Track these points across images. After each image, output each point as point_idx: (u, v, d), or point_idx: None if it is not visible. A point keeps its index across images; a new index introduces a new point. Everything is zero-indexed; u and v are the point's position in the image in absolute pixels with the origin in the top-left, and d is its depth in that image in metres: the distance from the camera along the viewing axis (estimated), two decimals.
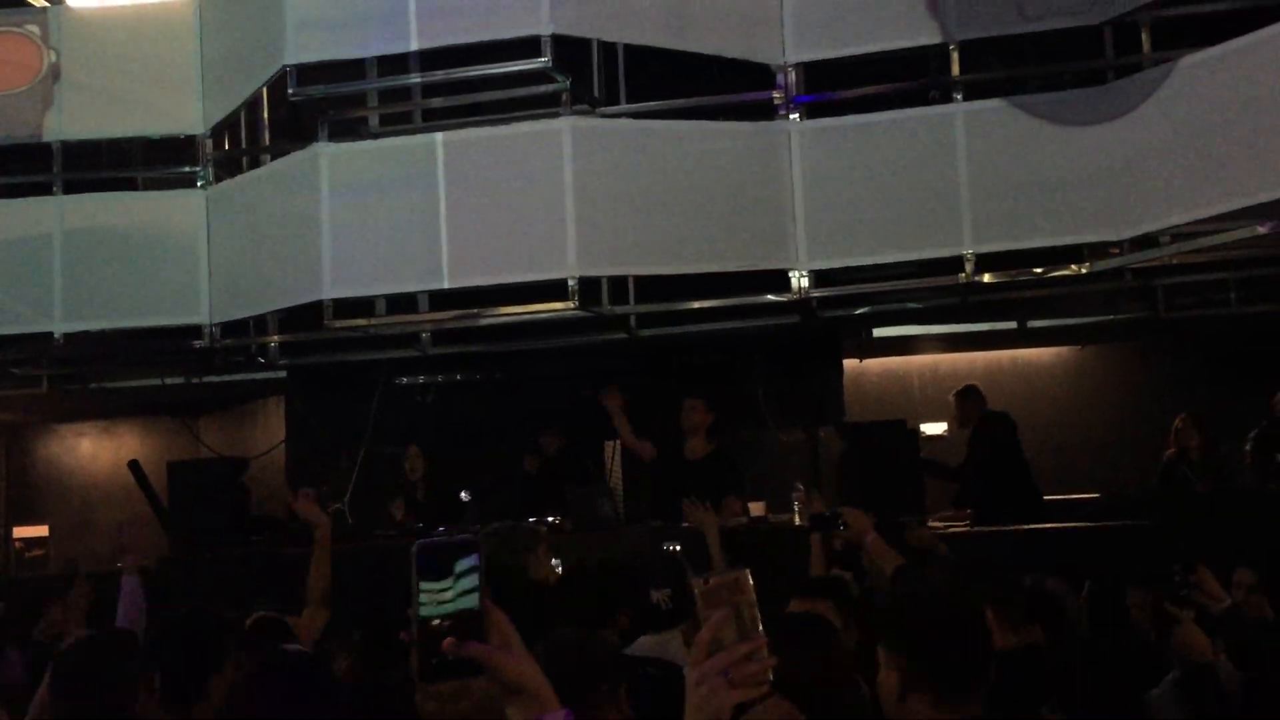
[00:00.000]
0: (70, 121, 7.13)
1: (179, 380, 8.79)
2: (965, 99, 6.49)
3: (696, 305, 6.90)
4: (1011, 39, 6.63)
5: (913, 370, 10.46)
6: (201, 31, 7.04)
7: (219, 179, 7.15)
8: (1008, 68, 6.91)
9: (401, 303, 7.03)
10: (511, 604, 1.72)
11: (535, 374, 8.29)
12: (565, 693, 2.01)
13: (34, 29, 7.25)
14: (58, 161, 7.13)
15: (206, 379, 8.98)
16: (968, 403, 7.59)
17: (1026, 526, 6.94)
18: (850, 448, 6.98)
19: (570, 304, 6.20)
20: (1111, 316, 8.18)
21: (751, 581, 2.15)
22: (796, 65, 6.67)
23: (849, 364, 9.07)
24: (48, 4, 7.76)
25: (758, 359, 7.90)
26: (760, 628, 2.03)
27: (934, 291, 6.94)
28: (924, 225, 6.40)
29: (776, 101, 6.66)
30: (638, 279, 6.93)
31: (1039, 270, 6.45)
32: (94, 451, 12.22)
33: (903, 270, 6.79)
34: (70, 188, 7.20)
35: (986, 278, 6.40)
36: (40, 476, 12.22)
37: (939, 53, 6.68)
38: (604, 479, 7.68)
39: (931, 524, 7.21)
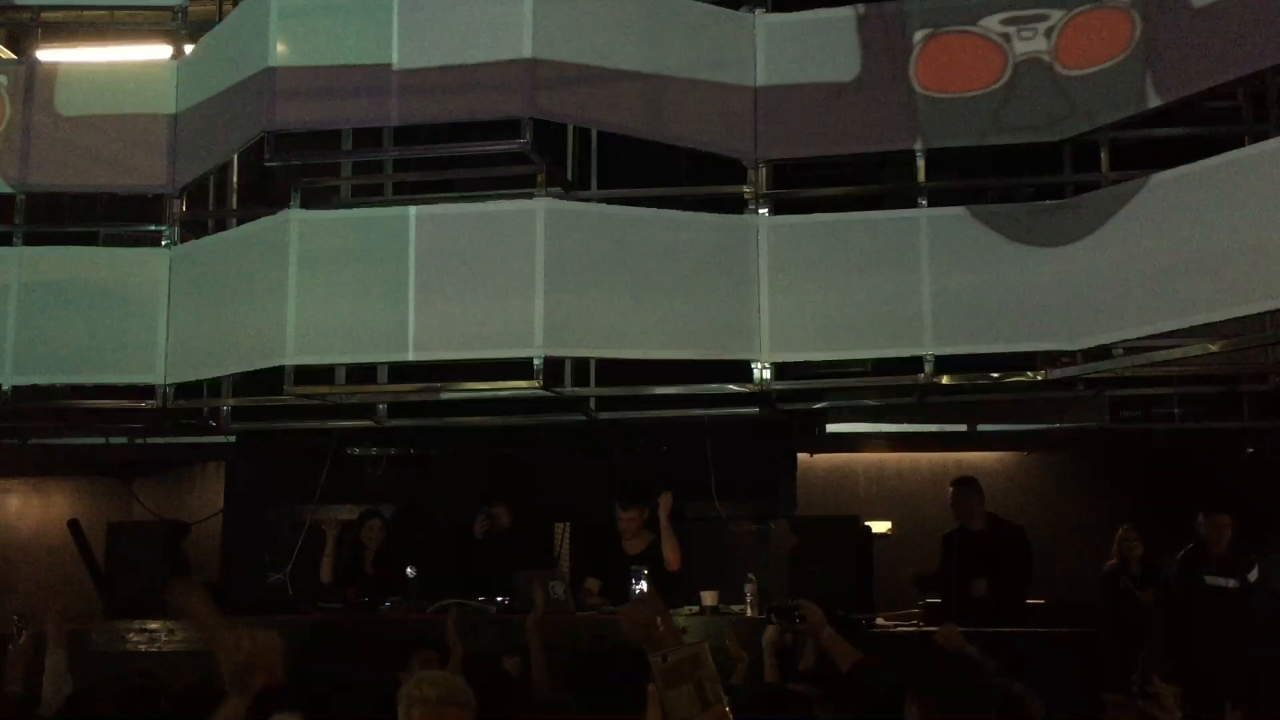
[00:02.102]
0: (37, 173, 7.06)
1: (121, 440, 8.62)
2: (929, 204, 6.64)
3: (659, 391, 6.93)
4: (973, 150, 6.84)
5: (858, 467, 10.56)
6: (179, 92, 7.02)
7: (183, 239, 7.10)
8: (967, 176, 7.13)
9: (360, 372, 6.99)
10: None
11: (488, 451, 8.26)
12: None
13: (2, 79, 7.22)
14: (20, 212, 7.05)
15: (146, 440, 8.83)
16: (973, 494, 7.65)
17: (977, 629, 6.99)
18: (802, 541, 6.99)
19: (535, 383, 6.20)
20: (1058, 424, 8.35)
21: (709, 655, 2.17)
22: (767, 162, 6.80)
23: (800, 458, 9.15)
24: (14, 57, 7.76)
25: (711, 448, 7.95)
26: (723, 698, 2.05)
27: (892, 390, 7.04)
28: (886, 324, 6.50)
29: (746, 196, 6.77)
30: (599, 362, 6.97)
31: (996, 375, 6.57)
32: (21, 509, 11.88)
33: (860, 367, 6.90)
34: (30, 239, 7.10)
35: (944, 379, 6.50)
36: None
37: (904, 157, 6.86)
38: (556, 562, 7.63)
39: (880, 621, 7.25)
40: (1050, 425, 8.39)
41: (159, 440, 8.79)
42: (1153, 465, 9.15)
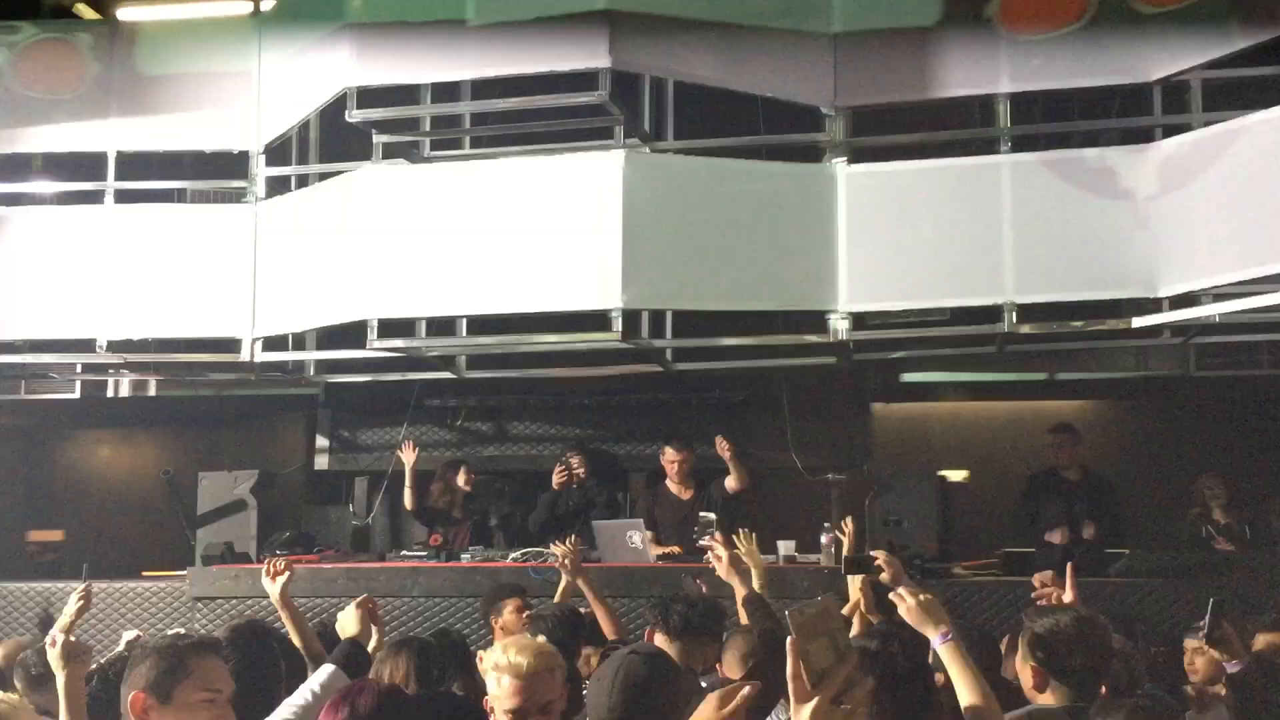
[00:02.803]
0: (123, 133, 7.20)
1: (208, 393, 8.83)
2: (1012, 150, 6.53)
3: (734, 342, 6.93)
4: (1057, 93, 6.71)
5: (933, 417, 10.49)
6: (261, 50, 7.11)
7: (268, 195, 7.22)
8: (1053, 120, 7.00)
9: (440, 325, 7.08)
10: None
11: (563, 401, 8.35)
12: None
13: (85, 37, 7.34)
14: (111, 171, 7.20)
15: (227, 393, 9.04)
16: (1075, 442, 7.61)
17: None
18: (880, 490, 7.00)
19: (613, 335, 6.23)
20: (1141, 373, 8.23)
21: (838, 608, 2.22)
22: (845, 109, 6.73)
23: (875, 407, 9.12)
24: (98, 17, 7.89)
25: (786, 398, 7.96)
26: (853, 649, 2.10)
27: (972, 340, 6.98)
28: (966, 273, 6.44)
29: (823, 144, 6.72)
30: (676, 313, 6.99)
31: (1079, 323, 6.48)
32: (111, 459, 12.24)
33: (938, 316, 6.84)
34: (119, 198, 7.27)
35: (1026, 328, 6.43)
36: (59, 482, 12.22)
37: (985, 102, 6.76)
38: (632, 511, 7.71)
39: (957, 570, 7.25)
40: (1130, 374, 8.26)
41: (244, 392, 8.98)
42: (1236, 413, 8.99)
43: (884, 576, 3.92)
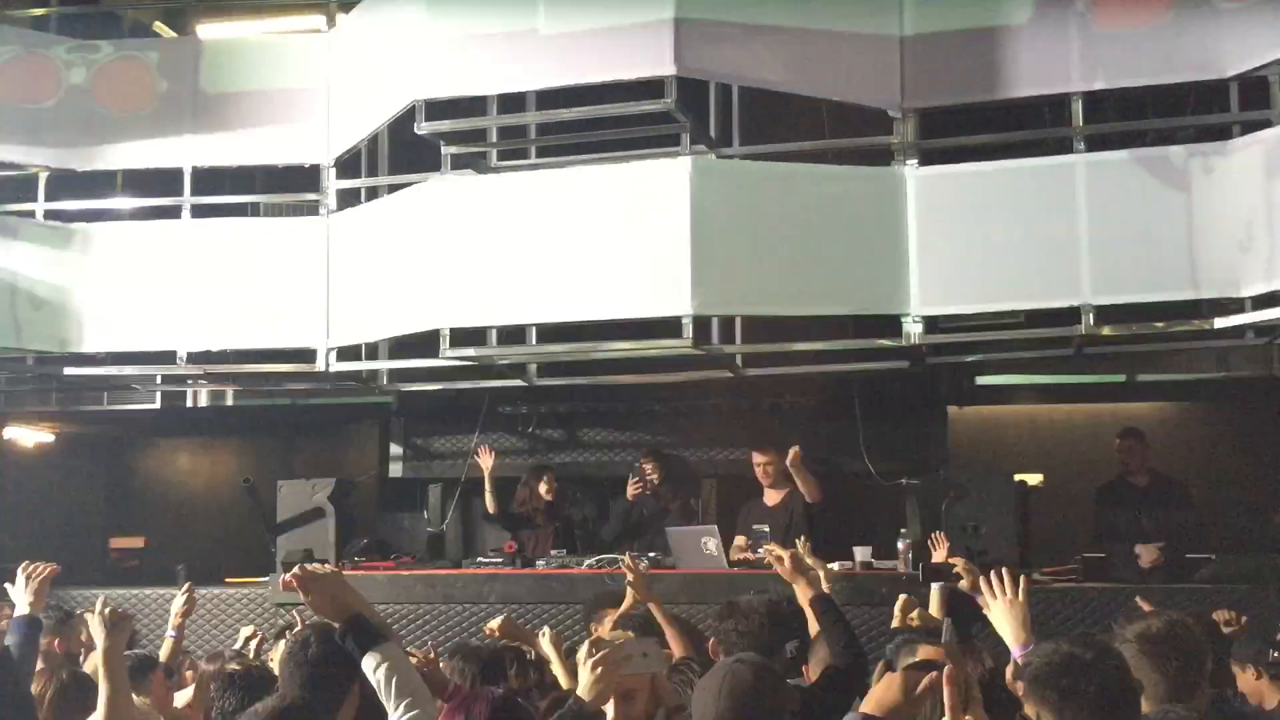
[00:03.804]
0: (197, 149, 7.35)
1: (284, 401, 8.98)
2: (1087, 149, 6.42)
3: (806, 347, 6.89)
4: (1131, 91, 6.59)
5: (1008, 420, 10.35)
6: (332, 64, 7.21)
7: (340, 207, 7.32)
8: (1127, 119, 6.87)
9: (511, 334, 7.13)
10: None
11: (635, 408, 8.36)
12: None
13: (153, 56, 7.49)
14: (187, 186, 7.35)
15: (307, 401, 9.17)
16: (1144, 446, 7.52)
17: (1136, 585, 6.84)
18: (957, 496, 6.92)
19: (684, 341, 6.23)
20: (1222, 374, 8.05)
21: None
22: (914, 111, 6.66)
23: (949, 411, 9.01)
24: (175, 35, 8.06)
25: (859, 403, 7.90)
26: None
27: (1048, 342, 6.88)
28: (1041, 275, 6.34)
29: (893, 147, 6.66)
30: (745, 318, 6.96)
31: (1160, 325, 6.36)
32: (190, 466, 12.50)
33: (1013, 319, 6.74)
34: (197, 212, 7.41)
35: (1105, 330, 6.32)
36: (139, 489, 12.50)
37: (1055, 102, 6.66)
38: (703, 516, 7.71)
39: (1037, 577, 7.14)
40: (1212, 375, 8.08)
41: (319, 401, 9.11)
42: None
43: (963, 584, 3.88)
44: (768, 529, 6.37)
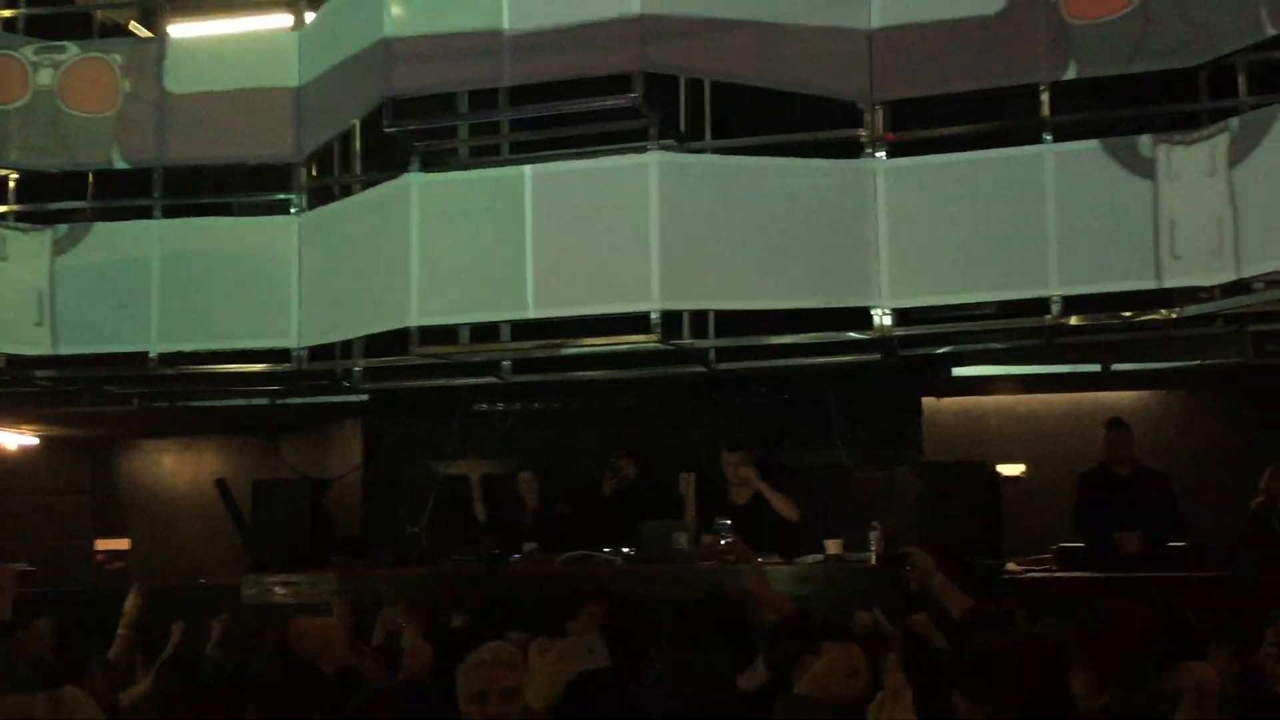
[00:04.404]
0: (168, 147, 7.34)
1: (262, 401, 8.97)
2: (1055, 139, 6.42)
3: (776, 340, 6.90)
4: (1101, 80, 6.58)
5: (989, 410, 10.36)
6: (300, 62, 7.20)
7: (311, 206, 7.31)
8: (1099, 108, 6.87)
9: (484, 331, 7.12)
10: None
11: (610, 404, 8.37)
12: None
13: (117, 57, 7.47)
14: (158, 186, 7.34)
15: (286, 401, 9.16)
16: (1129, 437, 7.53)
17: (1113, 574, 6.87)
18: (928, 488, 6.93)
19: (653, 337, 6.23)
20: (1198, 361, 8.06)
21: None
22: (883, 103, 6.66)
23: (926, 402, 9.02)
24: (150, 34, 8.04)
25: (834, 396, 7.91)
26: None
27: (1018, 332, 6.88)
28: (1010, 265, 6.34)
29: (862, 139, 6.65)
30: (718, 314, 6.96)
31: (1128, 314, 6.36)
32: (176, 468, 12.50)
33: (985, 310, 6.75)
34: (168, 212, 7.40)
35: (1073, 320, 6.32)
36: (124, 491, 12.51)
37: (1028, 91, 6.65)
38: (681, 512, 7.71)
39: (1010, 567, 7.16)
40: (1189, 363, 8.09)
41: (299, 400, 9.11)
42: None
43: (912, 572, 3.92)
44: (729, 522, 6.37)
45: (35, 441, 12.16)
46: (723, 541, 6.10)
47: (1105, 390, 9.70)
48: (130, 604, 5.52)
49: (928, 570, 4.10)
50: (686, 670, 2.75)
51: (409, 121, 6.51)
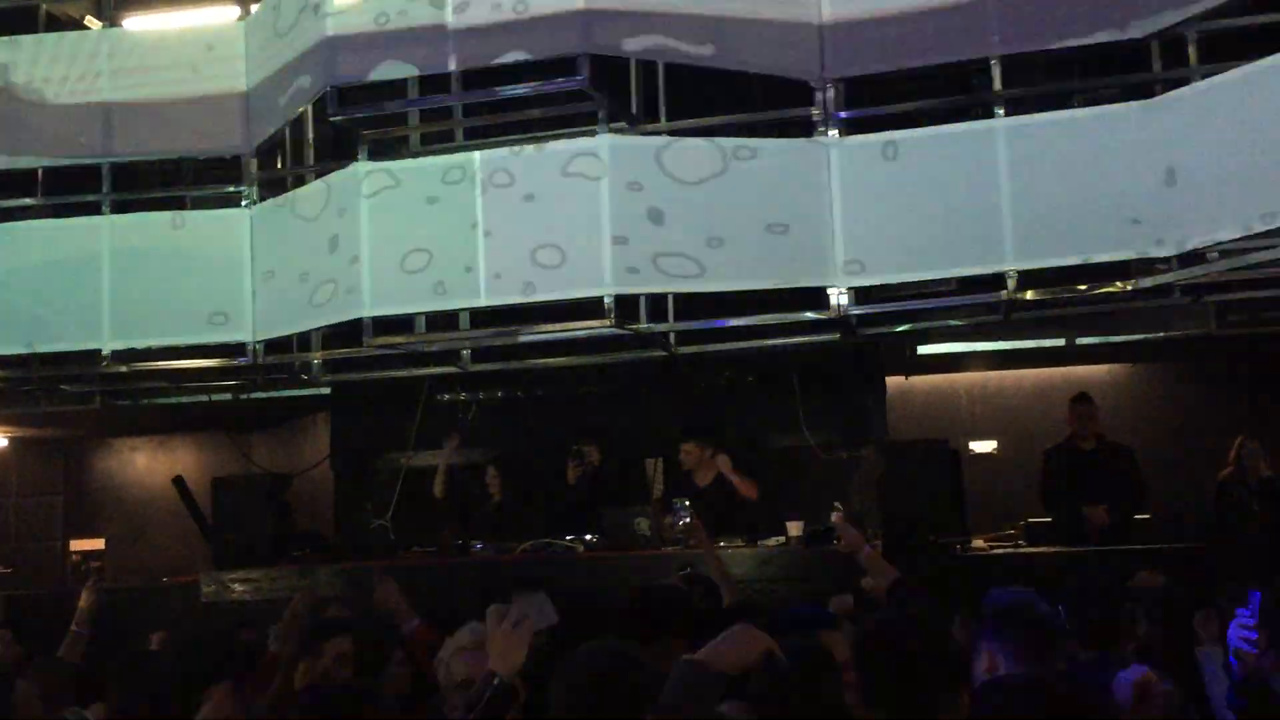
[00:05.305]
0: (120, 142, 7.26)
1: (225, 397, 8.90)
2: (1008, 113, 6.37)
3: (735, 323, 6.85)
4: (1057, 53, 6.53)
5: (960, 388, 10.35)
6: (247, 53, 7.12)
7: (263, 198, 7.23)
8: (1051, 81, 6.82)
9: (441, 320, 7.07)
10: None
11: (573, 391, 8.31)
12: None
13: (65, 50, 7.40)
14: (107, 181, 7.26)
15: (256, 395, 9.10)
16: (1094, 411, 7.51)
17: (1079, 548, 6.84)
18: (890, 467, 6.90)
19: (607, 321, 6.18)
20: (1163, 334, 8.04)
21: None
22: (835, 81, 6.60)
23: (895, 381, 8.99)
24: (102, 24, 7.94)
25: (796, 377, 7.87)
26: None
27: (975, 309, 6.85)
28: (965, 242, 6.30)
29: (815, 118, 6.60)
30: (677, 297, 6.92)
31: (1083, 287, 6.33)
32: (148, 465, 12.44)
33: (943, 287, 6.71)
34: (118, 208, 7.33)
35: (1029, 294, 6.28)
36: (96, 490, 12.45)
37: (981, 66, 6.60)
38: (645, 497, 7.68)
39: (977, 544, 7.13)
40: (1153, 335, 8.07)
41: (263, 395, 9.04)
42: (1263, 372, 8.77)
43: (839, 545, 3.93)
44: (687, 501, 6.35)
45: (4, 443, 12.09)
46: (680, 523, 6.06)
47: (1075, 365, 9.68)
48: (84, 601, 5.47)
49: (855, 543, 4.09)
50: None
51: (353, 110, 6.43)
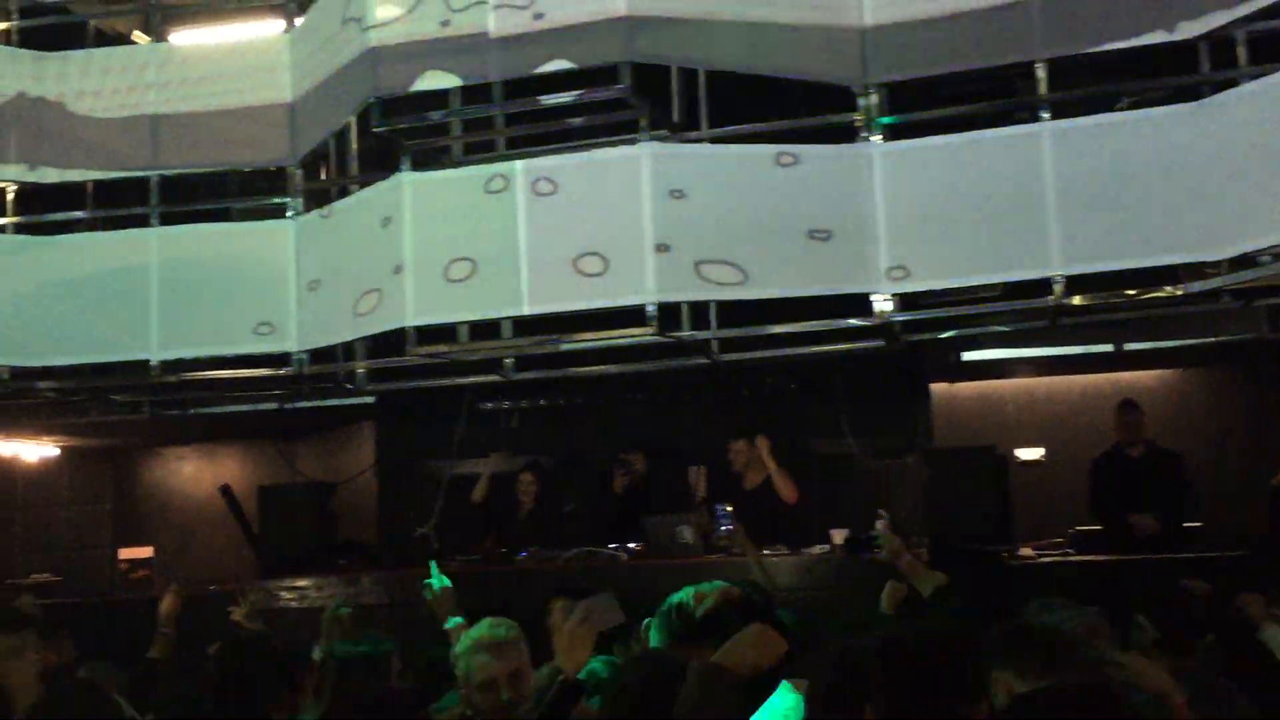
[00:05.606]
0: (168, 155, 7.34)
1: (271, 406, 8.98)
2: (1053, 116, 6.31)
3: (778, 329, 6.82)
4: (1103, 55, 6.46)
5: (1006, 394, 10.25)
6: (292, 65, 7.19)
7: (308, 209, 7.29)
8: (1097, 84, 6.74)
9: (484, 329, 7.08)
10: None
11: (616, 399, 8.32)
12: None
13: (114, 65, 7.48)
14: (155, 194, 7.35)
15: (302, 404, 9.17)
16: (1140, 418, 7.44)
17: (1129, 556, 6.76)
18: (936, 474, 6.84)
19: (649, 329, 6.17)
20: (1213, 339, 7.93)
21: None
22: (877, 86, 6.56)
23: (940, 388, 8.93)
24: (149, 40, 8.04)
25: (840, 383, 7.82)
26: None
27: (1021, 314, 6.78)
28: (1011, 247, 6.23)
29: (857, 123, 6.56)
30: (720, 305, 6.90)
31: (1131, 292, 6.24)
32: (196, 474, 12.57)
33: (988, 293, 6.64)
34: (166, 219, 7.41)
35: (1076, 300, 6.21)
36: (144, 499, 12.60)
37: (1025, 70, 6.53)
38: (688, 505, 7.66)
39: (1025, 552, 7.06)
40: (1202, 340, 7.96)
41: (308, 404, 9.11)
42: None
43: (882, 555, 3.90)
44: (730, 508, 6.32)
45: (56, 452, 12.26)
46: (722, 529, 6.04)
47: (1123, 371, 9.57)
48: (167, 604, 5.61)
49: (895, 551, 4.06)
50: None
51: (397, 120, 6.47)
